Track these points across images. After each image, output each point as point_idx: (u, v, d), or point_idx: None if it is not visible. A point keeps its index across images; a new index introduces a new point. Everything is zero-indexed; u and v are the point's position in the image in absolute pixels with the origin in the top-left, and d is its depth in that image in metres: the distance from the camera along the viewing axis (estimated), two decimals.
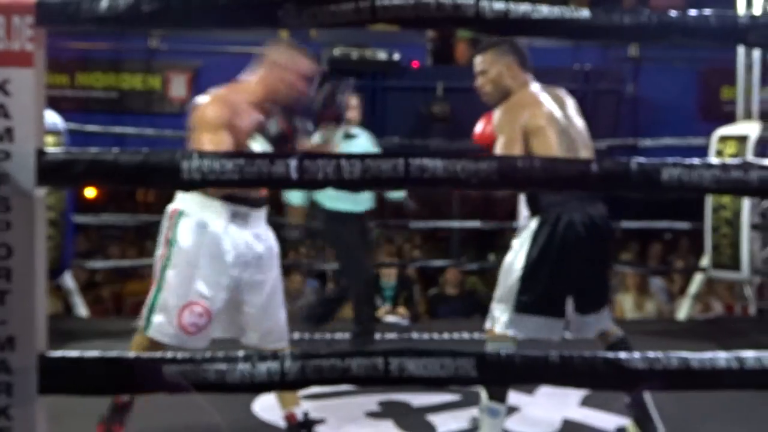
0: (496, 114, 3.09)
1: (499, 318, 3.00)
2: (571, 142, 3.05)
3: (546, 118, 3.03)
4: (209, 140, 2.85)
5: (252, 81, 3.06)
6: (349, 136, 4.77)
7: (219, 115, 2.90)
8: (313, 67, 3.13)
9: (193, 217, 2.92)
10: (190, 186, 1.75)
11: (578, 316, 3.04)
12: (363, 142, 4.93)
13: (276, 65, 3.03)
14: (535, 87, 3.16)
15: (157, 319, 2.91)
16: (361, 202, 4.84)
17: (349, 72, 8.87)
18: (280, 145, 2.92)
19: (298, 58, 3.07)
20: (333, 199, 4.75)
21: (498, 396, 2.97)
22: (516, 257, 3.03)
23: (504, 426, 3.51)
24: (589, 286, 3.05)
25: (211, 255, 2.91)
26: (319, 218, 4.90)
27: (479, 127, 3.27)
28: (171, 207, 3.00)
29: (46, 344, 1.75)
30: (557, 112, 3.08)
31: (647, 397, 3.12)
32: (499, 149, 2.98)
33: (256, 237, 3.03)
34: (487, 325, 3.07)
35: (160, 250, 2.97)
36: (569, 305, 3.00)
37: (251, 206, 3.00)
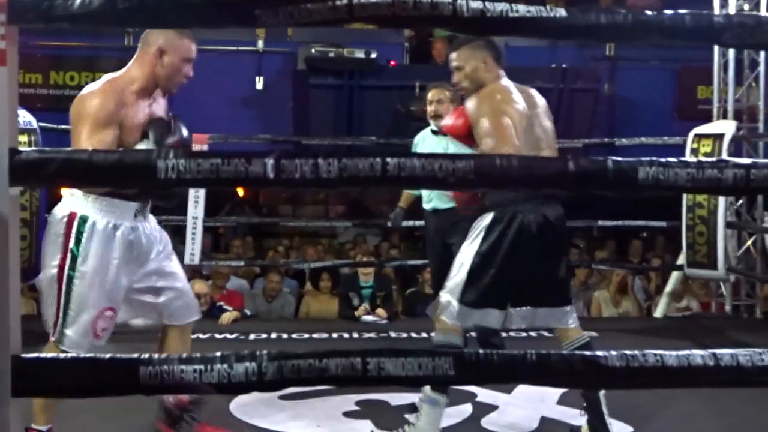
0: (472, 102, 3.11)
1: (447, 308, 3.06)
2: (536, 141, 3.09)
3: (515, 111, 3.05)
4: (90, 136, 2.68)
5: (133, 68, 2.87)
6: (437, 133, 4.55)
7: (102, 107, 2.72)
8: (195, 49, 2.93)
9: (100, 221, 2.79)
10: (165, 185, 1.73)
11: (530, 309, 3.11)
12: None
13: (158, 49, 2.83)
14: (508, 82, 3.19)
15: (70, 332, 2.77)
16: (429, 200, 4.68)
17: (327, 71, 8.89)
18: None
19: (182, 41, 2.86)
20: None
21: (439, 387, 3.02)
22: (468, 251, 3.08)
23: (483, 425, 3.54)
24: (541, 281, 3.10)
25: (121, 257, 2.83)
26: None
27: (449, 120, 3.30)
28: (64, 211, 2.80)
29: (19, 346, 1.73)
30: (526, 109, 3.11)
31: (602, 398, 3.14)
32: (485, 133, 2.99)
33: (153, 228, 3.00)
34: (431, 312, 3.14)
35: (56, 259, 2.77)
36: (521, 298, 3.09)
37: (146, 201, 2.93)
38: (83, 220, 2.76)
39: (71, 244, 2.75)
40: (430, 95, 4.63)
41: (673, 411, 3.64)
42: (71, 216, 2.77)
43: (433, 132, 4.64)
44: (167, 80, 2.87)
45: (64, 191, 2.85)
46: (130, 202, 2.84)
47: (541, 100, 3.24)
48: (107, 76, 2.84)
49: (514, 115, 3.04)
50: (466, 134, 3.16)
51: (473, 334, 3.78)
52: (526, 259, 3.03)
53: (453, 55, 3.25)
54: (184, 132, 2.87)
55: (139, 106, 2.81)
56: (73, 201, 2.79)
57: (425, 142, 4.75)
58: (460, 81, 3.23)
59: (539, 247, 3.03)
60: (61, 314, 2.77)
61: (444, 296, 3.10)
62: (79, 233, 2.75)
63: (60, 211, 2.80)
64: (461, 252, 3.12)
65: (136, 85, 2.82)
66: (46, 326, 2.82)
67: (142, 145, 2.73)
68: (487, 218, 3.06)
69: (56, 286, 2.76)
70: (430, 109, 4.61)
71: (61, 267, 2.75)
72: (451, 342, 3.03)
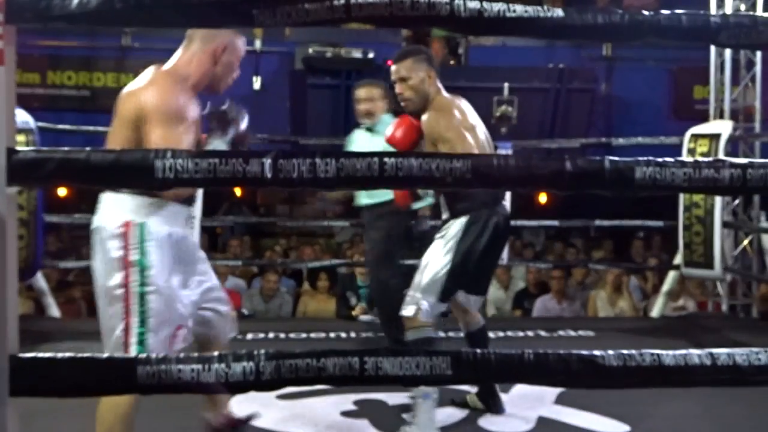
0: (428, 118, 3.23)
1: (422, 308, 3.24)
2: (483, 145, 3.32)
3: (470, 121, 3.30)
4: (165, 136, 2.39)
5: (185, 63, 2.62)
6: (371, 130, 4.42)
7: (171, 101, 2.46)
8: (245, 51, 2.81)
9: (155, 227, 2.46)
10: (163, 185, 1.73)
11: (479, 297, 3.54)
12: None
13: (221, 47, 2.64)
14: (449, 95, 3.37)
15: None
16: (360, 195, 4.49)
17: (324, 71, 8.89)
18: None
19: (239, 40, 2.72)
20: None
21: None
22: (442, 252, 3.27)
23: (480, 424, 3.54)
24: (490, 272, 3.59)
25: (178, 266, 2.55)
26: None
27: (390, 130, 3.42)
28: (116, 220, 2.45)
29: (17, 345, 1.73)
30: (474, 118, 3.35)
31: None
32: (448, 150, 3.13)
33: (194, 240, 2.77)
34: (407, 313, 3.27)
35: (115, 278, 2.43)
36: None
37: (192, 206, 2.69)
38: (140, 226, 2.44)
39: (134, 257, 2.43)
40: (360, 93, 4.48)
41: (669, 410, 3.64)
42: (126, 224, 2.44)
43: (368, 130, 4.47)
44: (221, 79, 2.69)
45: (108, 194, 2.50)
46: (183, 207, 2.57)
47: (472, 110, 3.41)
48: (154, 70, 2.57)
49: (471, 127, 3.28)
50: (409, 148, 3.32)
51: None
52: (494, 254, 3.40)
53: (395, 67, 3.34)
54: (244, 123, 2.71)
55: (194, 102, 2.58)
56: (124, 207, 2.46)
57: (360, 141, 4.53)
58: (404, 92, 3.32)
59: (501, 243, 3.45)
60: (137, 337, 2.42)
61: (417, 296, 3.26)
62: (142, 242, 2.43)
63: (111, 221, 2.46)
64: (431, 253, 3.32)
65: (191, 81, 2.59)
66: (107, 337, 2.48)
67: (216, 141, 2.56)
68: (458, 222, 3.27)
69: (122, 305, 2.42)
70: (361, 108, 4.49)
71: (125, 285, 2.42)
72: (427, 336, 3.22)
